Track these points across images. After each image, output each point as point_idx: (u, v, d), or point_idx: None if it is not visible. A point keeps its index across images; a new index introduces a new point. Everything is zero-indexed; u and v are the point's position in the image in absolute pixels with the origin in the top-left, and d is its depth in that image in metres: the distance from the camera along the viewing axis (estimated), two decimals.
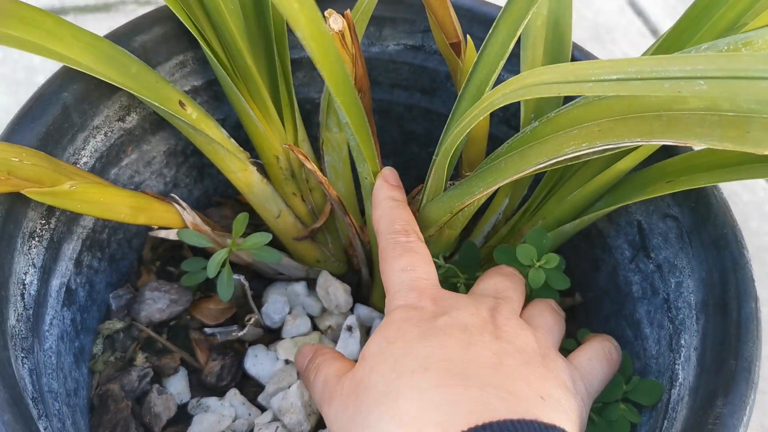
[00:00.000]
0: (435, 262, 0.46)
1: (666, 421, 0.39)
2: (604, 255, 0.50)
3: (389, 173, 0.46)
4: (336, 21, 0.42)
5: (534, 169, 0.37)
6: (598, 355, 0.41)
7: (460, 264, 0.48)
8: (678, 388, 0.39)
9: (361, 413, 0.35)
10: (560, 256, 0.43)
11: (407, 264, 0.40)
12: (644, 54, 0.47)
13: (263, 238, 0.47)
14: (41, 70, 0.89)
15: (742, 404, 0.34)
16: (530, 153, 0.37)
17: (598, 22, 1.09)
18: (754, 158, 0.38)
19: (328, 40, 0.39)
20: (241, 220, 0.47)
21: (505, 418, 0.30)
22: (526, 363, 0.36)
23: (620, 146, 0.34)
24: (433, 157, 0.43)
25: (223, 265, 0.47)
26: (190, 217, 0.48)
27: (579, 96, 0.40)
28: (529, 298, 0.44)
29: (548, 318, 0.42)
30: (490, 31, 0.39)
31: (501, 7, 0.40)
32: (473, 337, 0.36)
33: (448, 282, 0.47)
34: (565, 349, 0.42)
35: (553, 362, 0.37)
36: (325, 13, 0.42)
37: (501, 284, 0.42)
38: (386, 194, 0.44)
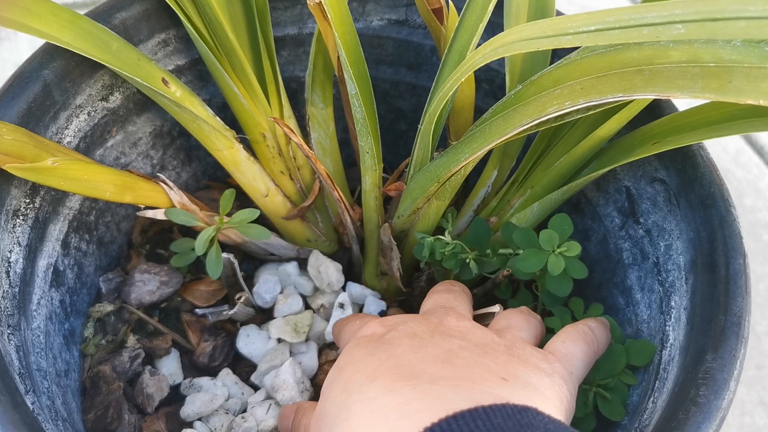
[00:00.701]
0: (441, 239, 0.46)
1: (658, 382, 0.38)
2: (594, 224, 0.50)
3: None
4: None
5: (518, 130, 0.36)
6: (572, 337, 0.39)
7: (469, 241, 0.47)
8: (669, 348, 0.39)
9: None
10: (579, 245, 0.43)
11: (360, 322, 0.42)
12: None
13: (251, 214, 0.47)
14: None
15: (732, 358, 0.34)
16: (514, 115, 0.37)
17: (587, 6, 1.09)
18: (736, 115, 0.38)
19: (344, 9, 0.40)
20: (228, 196, 0.47)
21: (458, 410, 0.28)
22: (484, 353, 0.34)
23: (603, 102, 0.34)
24: (419, 126, 0.42)
25: (211, 243, 0.47)
26: (177, 196, 0.48)
27: (563, 58, 0.39)
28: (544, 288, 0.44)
29: (515, 318, 0.40)
30: None
31: None
32: (423, 341, 0.35)
33: (457, 258, 0.46)
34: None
35: (521, 350, 0.36)
36: None
37: (442, 298, 0.42)
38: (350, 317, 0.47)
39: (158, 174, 0.52)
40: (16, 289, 0.39)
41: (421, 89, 0.57)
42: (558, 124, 0.37)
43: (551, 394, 0.33)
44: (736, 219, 0.39)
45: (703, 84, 0.31)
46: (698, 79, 0.31)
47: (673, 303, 0.41)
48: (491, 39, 0.34)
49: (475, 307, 0.45)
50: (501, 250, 0.46)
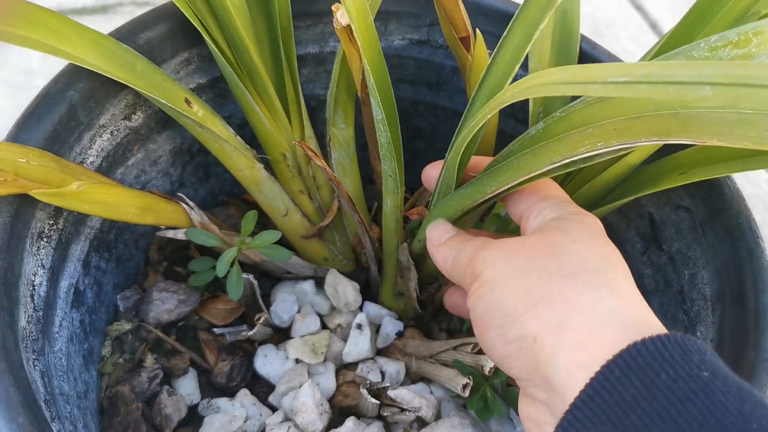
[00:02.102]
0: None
1: None
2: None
3: None
4: (344, 15, 0.42)
5: (548, 168, 0.36)
6: None
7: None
8: None
9: (562, 270, 0.33)
10: None
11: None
12: (653, 47, 0.47)
13: (272, 236, 0.47)
14: (40, 72, 0.88)
15: (763, 395, 0.34)
16: (543, 152, 0.37)
17: (598, 16, 1.09)
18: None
19: (373, 34, 0.39)
20: (251, 217, 0.47)
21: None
22: None
23: (636, 145, 0.33)
24: (446, 154, 0.42)
25: (232, 264, 0.47)
26: (198, 216, 0.48)
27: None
28: None
29: None
30: (505, 33, 0.38)
31: (507, 1, 0.39)
32: None
33: None
34: None
35: None
36: (332, 8, 0.42)
37: None
38: None
39: (177, 191, 0.52)
40: (40, 313, 0.39)
41: (440, 109, 0.56)
42: (589, 164, 0.36)
43: None
44: (765, 251, 0.39)
45: (740, 132, 0.31)
46: (735, 127, 0.31)
47: (699, 333, 0.41)
48: (522, 79, 0.34)
49: None
50: None
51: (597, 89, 0.30)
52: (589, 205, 0.45)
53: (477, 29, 0.42)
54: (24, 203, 0.38)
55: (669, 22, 1.08)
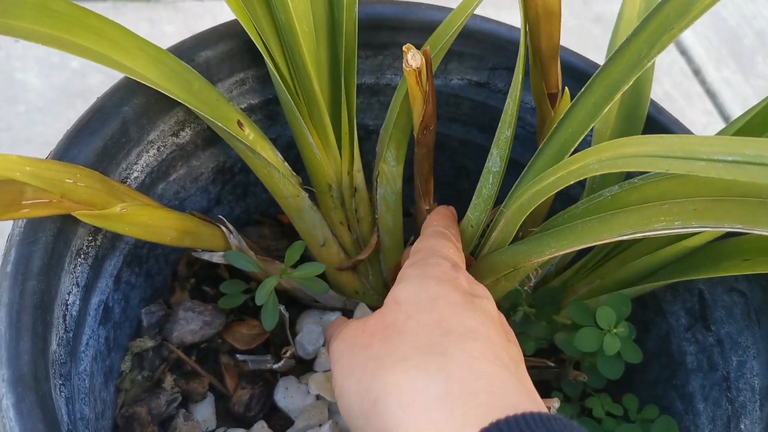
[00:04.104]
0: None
1: None
2: (657, 318, 0.49)
3: (444, 209, 0.46)
4: (414, 57, 0.40)
5: (617, 238, 0.35)
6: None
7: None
8: None
9: (393, 355, 0.31)
10: (631, 325, 0.42)
11: (443, 243, 0.39)
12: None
13: (316, 268, 0.46)
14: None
15: None
16: (613, 221, 0.36)
17: (606, 11, 1.07)
18: None
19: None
20: (297, 248, 0.46)
21: (525, 410, 0.28)
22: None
23: (718, 230, 0.32)
24: (502, 207, 0.41)
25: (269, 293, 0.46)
26: (236, 240, 0.46)
27: None
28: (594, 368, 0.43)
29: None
30: (583, 89, 0.37)
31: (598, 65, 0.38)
32: (509, 336, 0.37)
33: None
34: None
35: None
36: (403, 48, 0.40)
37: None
38: (434, 226, 0.43)
39: (214, 208, 0.51)
40: (71, 334, 0.37)
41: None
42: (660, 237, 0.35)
43: None
44: None
45: None
46: None
47: (743, 426, 0.39)
48: (605, 144, 0.32)
49: None
50: (555, 317, 0.46)
51: (703, 167, 0.28)
52: (640, 280, 0.44)
53: (566, 87, 0.41)
54: (67, 220, 0.36)
55: (711, 69, 1.06)
